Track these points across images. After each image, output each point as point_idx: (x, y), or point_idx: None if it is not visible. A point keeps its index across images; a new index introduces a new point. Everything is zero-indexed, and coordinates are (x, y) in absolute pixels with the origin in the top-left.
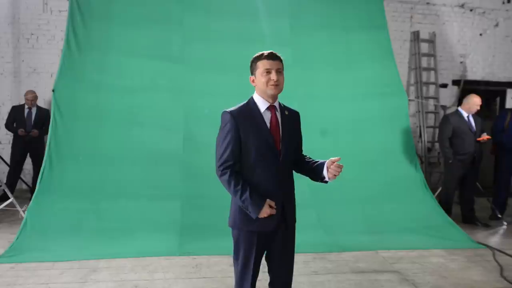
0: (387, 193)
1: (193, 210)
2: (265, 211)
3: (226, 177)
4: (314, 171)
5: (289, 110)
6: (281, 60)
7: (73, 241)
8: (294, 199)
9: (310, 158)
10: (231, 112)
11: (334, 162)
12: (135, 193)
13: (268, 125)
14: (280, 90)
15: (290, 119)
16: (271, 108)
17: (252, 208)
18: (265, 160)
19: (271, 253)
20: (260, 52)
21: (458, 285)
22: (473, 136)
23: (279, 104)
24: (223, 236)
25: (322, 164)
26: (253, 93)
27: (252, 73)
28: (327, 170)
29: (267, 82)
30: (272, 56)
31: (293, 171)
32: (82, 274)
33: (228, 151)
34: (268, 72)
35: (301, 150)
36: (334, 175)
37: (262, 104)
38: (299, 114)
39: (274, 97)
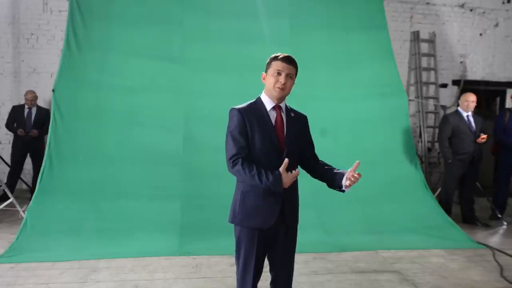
0: (387, 193)
1: (193, 210)
2: (288, 180)
3: (238, 166)
4: (334, 179)
5: (296, 112)
6: (295, 66)
7: (73, 241)
8: (297, 200)
9: (329, 165)
10: (238, 108)
11: (353, 170)
12: (135, 193)
13: (273, 123)
14: (285, 95)
15: (296, 121)
16: (276, 108)
17: (274, 186)
18: (267, 158)
19: (273, 252)
20: (279, 53)
21: (458, 285)
22: (472, 136)
23: (286, 106)
24: (223, 236)
25: (343, 173)
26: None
27: (266, 70)
28: (346, 179)
29: (275, 83)
30: (287, 60)
31: (307, 174)
32: (82, 274)
33: (238, 145)
34: (279, 74)
35: (313, 153)
36: (350, 184)
37: (268, 103)
38: (306, 118)
39: (280, 99)
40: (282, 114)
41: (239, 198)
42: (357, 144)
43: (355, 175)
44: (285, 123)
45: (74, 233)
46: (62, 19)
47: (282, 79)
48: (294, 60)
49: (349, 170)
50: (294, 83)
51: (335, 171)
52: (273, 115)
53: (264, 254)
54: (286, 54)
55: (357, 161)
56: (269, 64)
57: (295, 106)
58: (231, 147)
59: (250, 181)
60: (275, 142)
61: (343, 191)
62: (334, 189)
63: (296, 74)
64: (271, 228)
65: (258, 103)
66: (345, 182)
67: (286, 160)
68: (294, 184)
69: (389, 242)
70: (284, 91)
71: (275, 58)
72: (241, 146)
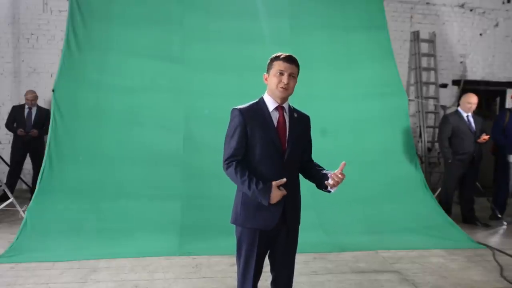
0: (387, 193)
1: (193, 210)
2: (275, 195)
3: (231, 169)
4: (321, 179)
5: (299, 113)
6: (297, 65)
7: (73, 241)
8: (299, 201)
9: (320, 167)
10: (240, 108)
11: (339, 171)
12: (135, 193)
13: (275, 124)
14: (289, 94)
15: (299, 122)
16: (279, 108)
17: (261, 196)
18: (269, 159)
19: (274, 252)
20: (280, 53)
21: (458, 285)
22: (472, 136)
23: (289, 106)
24: (223, 236)
25: (329, 173)
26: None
27: (267, 71)
28: (330, 178)
29: (278, 83)
30: (289, 59)
31: (300, 175)
32: (82, 274)
33: (235, 147)
34: (281, 74)
35: (310, 155)
36: (334, 185)
37: (271, 104)
38: (309, 118)
39: (283, 99)
40: (285, 114)
41: (240, 200)
42: (357, 144)
43: (339, 175)
44: (287, 124)
45: (74, 233)
46: (62, 19)
47: (285, 79)
48: (296, 60)
49: (335, 171)
50: (296, 82)
51: (322, 172)
52: (275, 116)
53: (265, 254)
54: (287, 54)
55: (343, 162)
56: (270, 64)
57: (295, 106)
58: (228, 148)
59: (239, 186)
60: (276, 143)
61: (329, 191)
62: (321, 189)
63: (298, 73)
64: (273, 228)
65: (261, 103)
66: (328, 181)
67: (284, 179)
68: (296, 185)
69: (389, 242)
70: (287, 91)
71: (277, 58)
72: (238, 148)
